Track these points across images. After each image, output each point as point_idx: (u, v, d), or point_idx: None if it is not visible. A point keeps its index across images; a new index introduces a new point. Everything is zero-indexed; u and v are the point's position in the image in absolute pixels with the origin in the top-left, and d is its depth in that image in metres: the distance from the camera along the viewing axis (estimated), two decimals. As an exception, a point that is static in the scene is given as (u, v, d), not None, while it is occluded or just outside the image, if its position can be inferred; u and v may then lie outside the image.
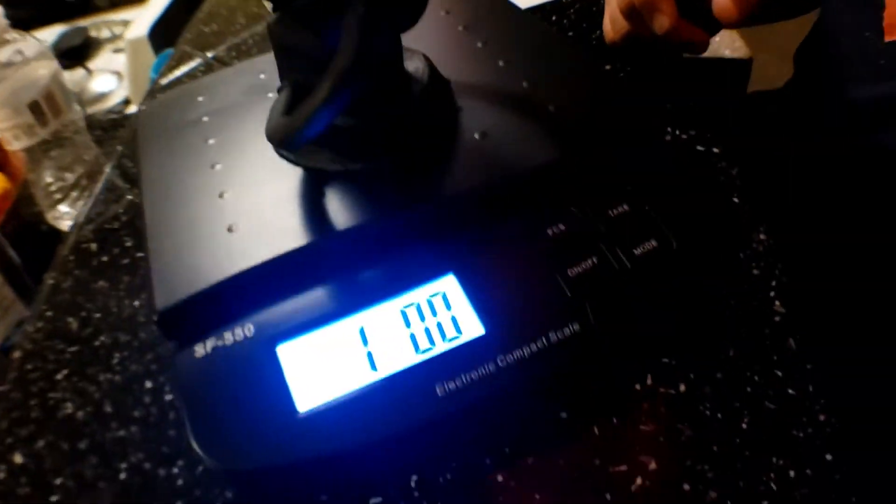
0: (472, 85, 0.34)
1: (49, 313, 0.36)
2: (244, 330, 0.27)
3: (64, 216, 0.54)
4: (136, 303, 0.35)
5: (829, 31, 0.46)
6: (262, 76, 0.38)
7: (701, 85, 0.46)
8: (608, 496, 0.25)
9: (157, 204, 0.32)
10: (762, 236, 0.34)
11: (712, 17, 0.38)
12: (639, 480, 0.26)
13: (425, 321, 0.27)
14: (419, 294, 0.27)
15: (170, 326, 0.27)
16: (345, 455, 0.25)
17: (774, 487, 0.25)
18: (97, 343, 0.33)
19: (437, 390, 0.25)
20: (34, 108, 0.49)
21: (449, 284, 0.28)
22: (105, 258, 0.38)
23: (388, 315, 0.27)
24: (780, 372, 0.28)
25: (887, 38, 0.40)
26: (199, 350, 0.26)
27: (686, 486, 0.25)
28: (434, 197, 0.29)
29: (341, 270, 0.28)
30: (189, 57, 0.52)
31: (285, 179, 0.31)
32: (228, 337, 0.27)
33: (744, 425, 0.27)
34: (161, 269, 0.28)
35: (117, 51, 0.76)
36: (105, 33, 0.81)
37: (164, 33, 0.63)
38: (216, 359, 0.26)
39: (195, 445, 0.24)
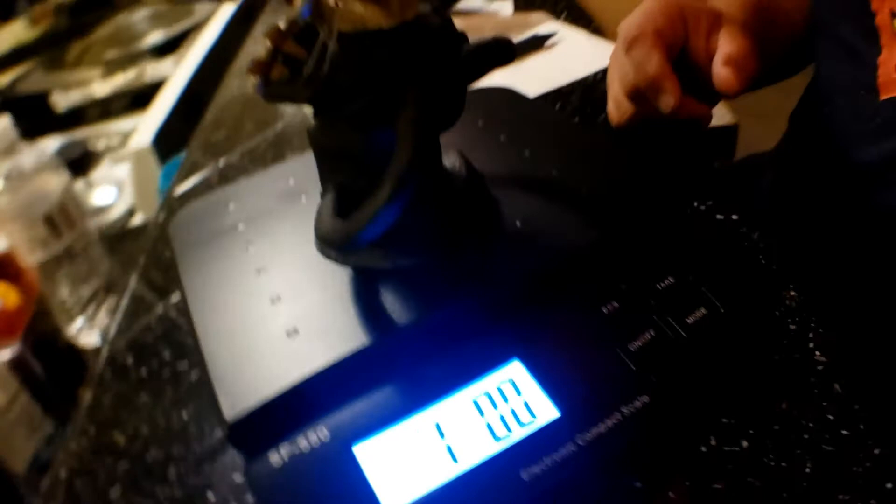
0: (502, 177, 0.36)
1: (91, 429, 0.35)
2: (318, 434, 0.27)
3: (82, 331, 0.53)
4: (185, 415, 0.34)
5: (823, 91, 0.47)
6: (291, 181, 0.40)
7: (693, 155, 0.48)
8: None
9: (206, 314, 0.32)
10: (793, 293, 0.35)
11: (711, 91, 0.41)
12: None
13: (498, 409, 0.27)
14: (488, 383, 0.28)
15: (240, 437, 0.27)
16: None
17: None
18: (149, 458, 0.33)
19: (523, 475, 0.25)
20: (48, 220, 0.49)
21: (516, 370, 0.28)
22: (143, 371, 0.38)
23: (461, 406, 0.27)
24: (832, 416, 0.29)
25: (883, 97, 0.41)
26: (275, 458, 0.26)
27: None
28: (488, 286, 0.30)
29: (408, 366, 0.28)
30: (200, 165, 0.53)
31: (336, 281, 0.32)
32: (303, 442, 0.26)
33: (807, 469, 0.27)
34: (223, 380, 0.28)
35: (116, 161, 0.77)
36: (102, 144, 0.82)
37: (165, 142, 0.64)
38: (293, 465, 0.26)
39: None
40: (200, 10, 1.00)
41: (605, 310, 0.30)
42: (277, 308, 0.31)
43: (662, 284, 0.31)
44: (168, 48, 0.98)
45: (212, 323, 0.31)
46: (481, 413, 0.27)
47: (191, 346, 0.34)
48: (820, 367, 0.31)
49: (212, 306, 0.32)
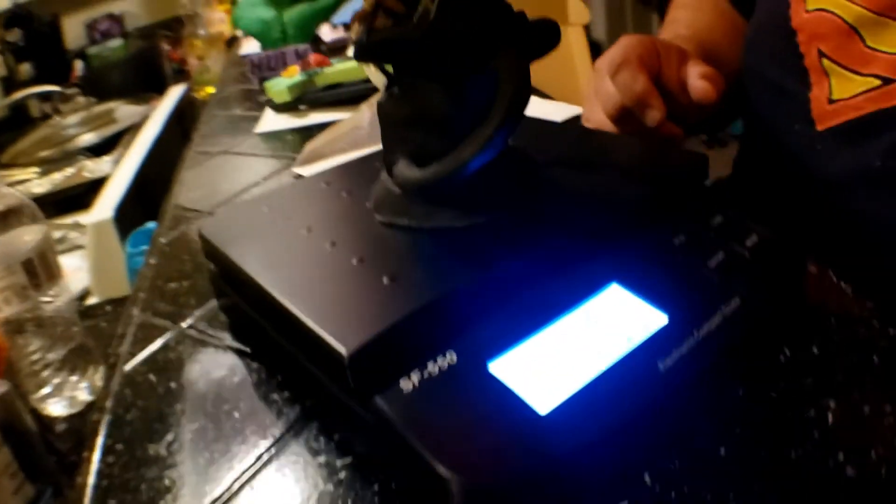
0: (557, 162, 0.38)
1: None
2: (447, 359, 0.26)
3: (48, 399, 0.47)
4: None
5: (761, 129, 0.54)
6: (323, 185, 0.40)
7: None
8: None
9: (282, 284, 0.30)
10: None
11: (681, 116, 0.47)
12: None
13: (614, 320, 0.28)
14: (598, 301, 0.29)
15: (359, 371, 0.25)
16: (595, 445, 0.24)
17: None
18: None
19: (660, 367, 0.26)
20: (28, 266, 0.45)
21: (616, 291, 0.29)
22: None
23: (581, 321, 0.28)
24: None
25: (820, 128, 0.46)
26: (406, 385, 0.25)
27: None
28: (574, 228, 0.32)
29: (519, 295, 0.29)
30: (184, 218, 0.51)
31: (413, 242, 0.32)
32: (432, 367, 0.26)
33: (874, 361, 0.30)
34: (326, 324, 0.27)
35: (65, 252, 0.71)
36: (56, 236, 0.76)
37: (122, 219, 0.61)
38: (427, 389, 0.25)
39: (443, 471, 0.22)
40: (122, 113, 1.01)
41: (676, 241, 0.32)
42: (363, 267, 0.30)
43: (715, 222, 0.34)
44: (103, 149, 0.97)
45: (293, 289, 0.30)
46: (602, 324, 0.28)
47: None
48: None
49: (288, 279, 0.31)
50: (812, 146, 0.47)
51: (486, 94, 0.29)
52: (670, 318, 0.28)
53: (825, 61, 0.47)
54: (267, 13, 0.96)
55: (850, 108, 0.45)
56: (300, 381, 0.32)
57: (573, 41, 1.34)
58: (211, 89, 1.32)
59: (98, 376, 0.49)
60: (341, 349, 0.25)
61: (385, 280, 0.29)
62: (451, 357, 0.26)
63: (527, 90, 0.29)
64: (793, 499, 0.25)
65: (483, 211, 0.33)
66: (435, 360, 0.26)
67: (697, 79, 0.46)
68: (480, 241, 0.31)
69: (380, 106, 0.33)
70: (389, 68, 0.32)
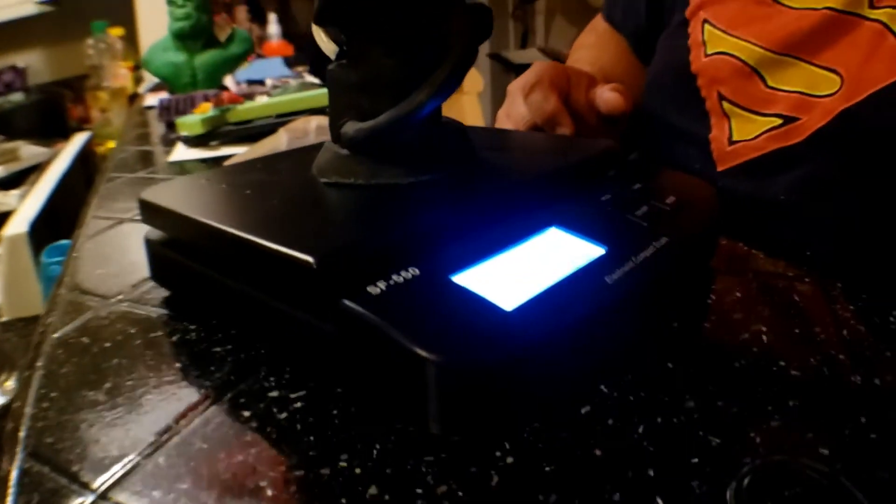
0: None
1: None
2: (410, 272, 0.27)
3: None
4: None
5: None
6: (259, 165, 0.41)
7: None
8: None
9: (239, 223, 0.31)
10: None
11: (589, 137, 0.51)
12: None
13: (560, 249, 0.30)
14: (542, 239, 0.31)
15: (326, 276, 0.26)
16: (558, 339, 0.26)
17: None
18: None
19: (607, 280, 0.28)
20: None
21: (557, 233, 0.32)
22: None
23: (532, 250, 0.30)
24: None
25: (720, 169, 0.48)
26: (373, 290, 0.26)
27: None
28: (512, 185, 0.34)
29: (465, 237, 0.30)
30: (85, 307, 0.50)
31: (364, 196, 0.34)
32: (397, 278, 0.27)
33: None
34: (292, 245, 0.27)
35: None
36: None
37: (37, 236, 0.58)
38: (394, 293, 0.26)
39: (422, 353, 0.23)
40: (27, 153, 0.97)
41: (603, 199, 0.35)
42: (312, 208, 0.31)
43: (636, 186, 0.37)
44: (8, 184, 0.95)
45: (251, 225, 0.30)
46: (547, 254, 0.30)
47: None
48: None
49: (243, 219, 0.31)
50: (713, 184, 0.48)
51: (434, 60, 0.32)
52: (608, 250, 0.31)
53: (725, 104, 0.49)
54: (177, 57, 0.97)
55: (750, 148, 0.47)
56: (254, 320, 0.31)
57: (468, 109, 1.43)
58: (112, 144, 1.29)
59: (10, 382, 0.46)
60: (308, 258, 0.26)
61: (340, 215, 0.30)
62: (413, 271, 0.27)
63: (476, 46, 0.32)
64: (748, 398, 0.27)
65: (425, 169, 0.35)
66: (399, 273, 0.27)
67: (607, 92, 0.51)
68: (429, 195, 0.33)
69: (330, 73, 0.35)
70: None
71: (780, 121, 0.45)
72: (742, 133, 0.48)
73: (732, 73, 0.48)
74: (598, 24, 0.74)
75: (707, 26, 0.52)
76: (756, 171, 0.46)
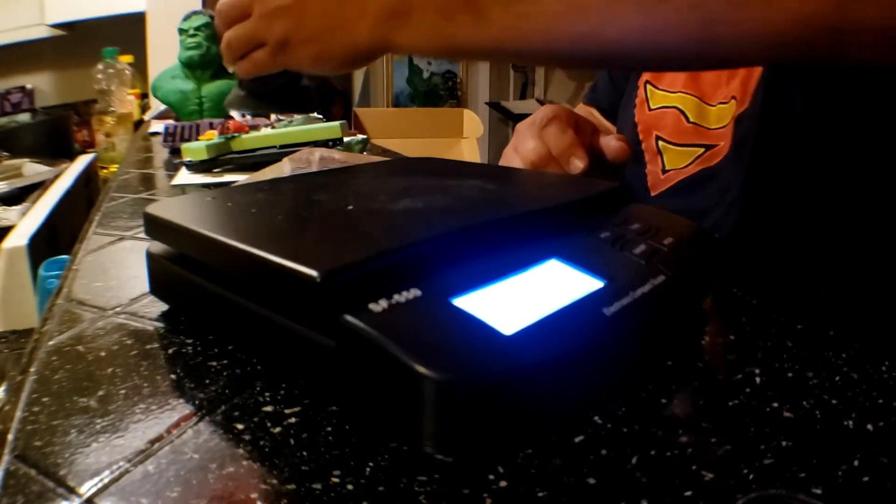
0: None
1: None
2: (411, 294, 0.27)
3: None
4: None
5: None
6: (265, 185, 0.41)
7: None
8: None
9: (244, 237, 0.31)
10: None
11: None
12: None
13: (561, 281, 0.31)
14: (542, 269, 0.31)
15: (329, 292, 0.26)
16: (555, 367, 0.26)
17: None
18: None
19: (605, 312, 0.29)
20: None
21: (556, 264, 0.32)
22: None
23: (533, 278, 0.30)
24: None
25: (653, 194, 0.60)
26: (375, 308, 0.26)
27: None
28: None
29: (465, 264, 0.31)
30: (79, 318, 0.50)
31: (363, 218, 0.34)
32: (399, 298, 0.27)
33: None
34: (296, 259, 0.28)
35: None
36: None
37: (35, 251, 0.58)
38: (396, 312, 0.26)
39: (421, 369, 0.23)
40: (30, 170, 0.99)
41: (602, 236, 0.36)
42: (317, 226, 0.32)
43: (634, 226, 0.38)
44: (10, 201, 0.96)
45: (256, 240, 0.30)
46: (546, 284, 0.30)
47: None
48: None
49: (248, 234, 0.32)
50: (648, 202, 0.62)
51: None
52: (607, 284, 0.31)
53: (661, 143, 0.61)
54: (186, 85, 0.98)
55: (681, 173, 0.59)
56: (253, 334, 0.31)
57: (466, 151, 1.46)
58: (115, 168, 1.30)
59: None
60: (312, 272, 0.26)
61: (344, 234, 0.30)
62: (415, 292, 0.27)
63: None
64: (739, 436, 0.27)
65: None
66: (400, 293, 0.27)
67: (613, 141, 0.53)
68: (436, 219, 0.34)
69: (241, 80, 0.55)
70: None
71: (703, 149, 0.58)
72: (674, 163, 0.60)
73: (671, 122, 0.61)
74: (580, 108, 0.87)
75: (648, 86, 0.66)
76: (685, 189, 0.59)
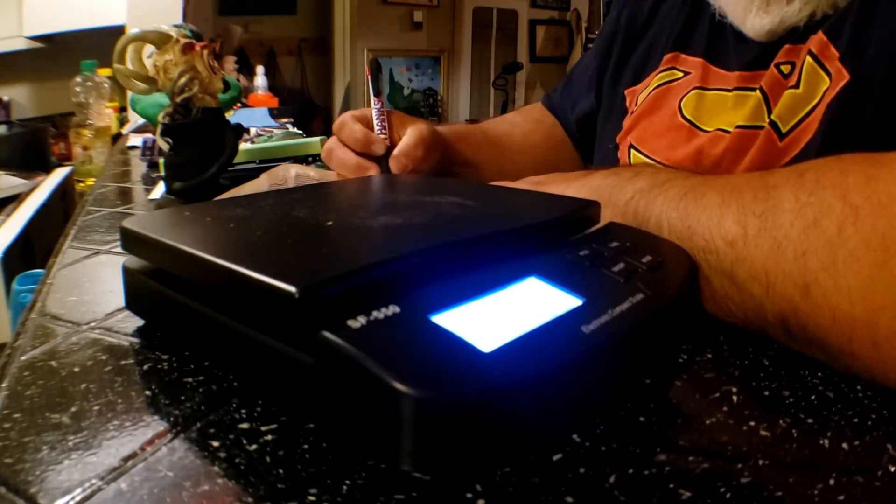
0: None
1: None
2: (390, 310, 0.27)
3: None
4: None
5: None
6: (243, 200, 0.41)
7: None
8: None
9: (221, 252, 0.31)
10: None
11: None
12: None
13: (539, 298, 0.31)
14: (521, 287, 0.32)
15: (308, 308, 0.26)
16: (534, 384, 0.26)
17: None
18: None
19: (584, 329, 0.29)
20: None
21: (535, 282, 0.32)
22: None
23: (508, 297, 0.30)
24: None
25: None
26: (353, 324, 0.26)
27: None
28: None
29: (442, 281, 0.31)
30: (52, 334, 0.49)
31: (341, 234, 0.34)
32: (377, 314, 0.27)
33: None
34: (273, 275, 0.27)
35: None
36: None
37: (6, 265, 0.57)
38: (374, 328, 0.26)
39: (399, 386, 0.23)
40: (5, 182, 0.97)
41: (581, 254, 0.36)
42: (294, 241, 0.32)
43: (612, 245, 0.38)
44: None
45: (233, 255, 0.30)
46: (525, 301, 0.30)
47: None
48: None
49: (225, 249, 0.31)
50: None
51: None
52: (585, 301, 0.31)
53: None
54: (164, 99, 0.97)
55: None
56: (230, 349, 0.31)
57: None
58: (91, 181, 1.29)
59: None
60: (291, 288, 0.26)
61: (322, 250, 0.30)
62: (394, 308, 0.27)
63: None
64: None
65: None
66: (379, 309, 0.27)
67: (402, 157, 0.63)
68: (414, 236, 0.34)
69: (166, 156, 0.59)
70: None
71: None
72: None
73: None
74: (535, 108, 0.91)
75: (633, 150, 0.66)
76: None
